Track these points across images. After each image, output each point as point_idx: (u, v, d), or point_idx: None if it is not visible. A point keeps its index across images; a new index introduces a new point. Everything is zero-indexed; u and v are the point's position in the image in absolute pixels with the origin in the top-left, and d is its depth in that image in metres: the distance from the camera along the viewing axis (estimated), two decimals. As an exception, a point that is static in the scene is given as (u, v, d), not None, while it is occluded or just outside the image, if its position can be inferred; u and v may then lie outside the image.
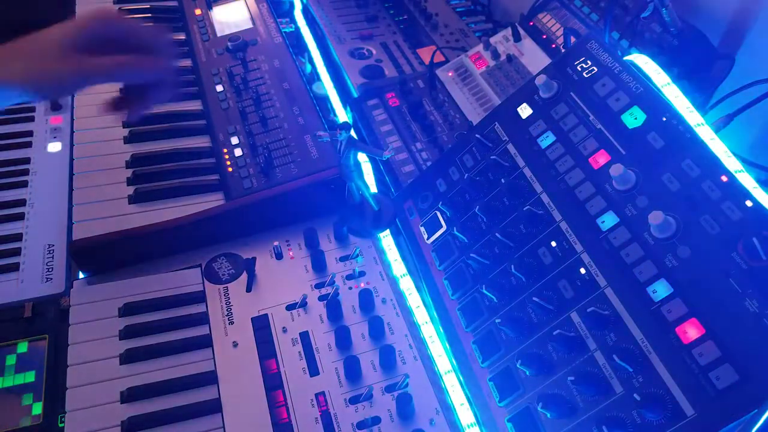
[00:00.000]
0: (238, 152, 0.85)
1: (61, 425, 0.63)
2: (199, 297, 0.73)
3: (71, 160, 0.87)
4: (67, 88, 0.65)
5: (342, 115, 1.01)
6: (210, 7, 1.14)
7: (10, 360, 0.69)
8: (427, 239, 0.74)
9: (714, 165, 0.55)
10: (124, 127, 0.91)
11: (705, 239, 0.53)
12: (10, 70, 0.61)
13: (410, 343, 0.68)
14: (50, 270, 0.77)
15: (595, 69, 0.67)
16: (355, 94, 1.05)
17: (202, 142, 0.89)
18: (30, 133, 0.94)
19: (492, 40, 1.03)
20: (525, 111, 0.72)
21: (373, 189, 0.83)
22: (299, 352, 0.67)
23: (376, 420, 0.62)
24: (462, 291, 0.68)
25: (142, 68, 0.64)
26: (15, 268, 0.77)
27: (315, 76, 1.11)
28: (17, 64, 0.61)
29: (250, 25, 1.07)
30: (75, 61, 0.62)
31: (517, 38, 1.00)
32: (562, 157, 0.66)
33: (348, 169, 0.75)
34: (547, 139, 0.68)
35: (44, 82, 0.62)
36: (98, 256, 0.75)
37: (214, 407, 0.63)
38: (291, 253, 0.78)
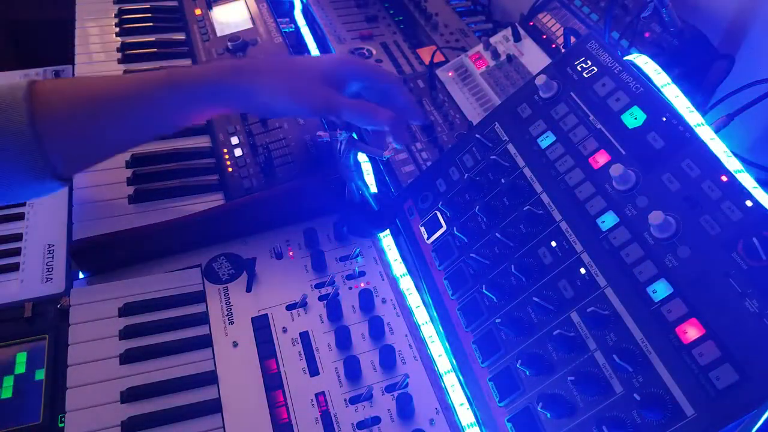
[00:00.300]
0: (238, 152, 0.85)
1: (61, 425, 0.63)
2: (199, 297, 0.73)
3: (71, 160, 0.87)
4: (311, 111, 0.71)
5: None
6: (210, 7, 1.14)
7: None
8: (427, 239, 0.74)
9: (714, 165, 0.55)
10: (124, 127, 0.91)
11: (705, 239, 0.53)
12: (272, 80, 0.69)
13: (410, 343, 0.68)
14: (50, 270, 0.77)
15: (595, 69, 0.67)
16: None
17: (202, 142, 0.89)
18: (30, 133, 0.94)
19: (492, 40, 1.03)
20: (525, 111, 0.72)
21: (373, 189, 0.83)
22: (299, 352, 0.67)
23: (376, 420, 0.62)
24: (462, 291, 0.68)
25: (378, 120, 0.70)
26: (15, 268, 0.77)
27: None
28: (276, 78, 0.69)
29: (250, 25, 1.07)
30: (330, 93, 0.69)
31: (517, 38, 1.00)
32: (562, 157, 0.66)
33: (348, 169, 0.75)
34: (547, 139, 0.68)
35: (298, 99, 0.69)
36: (98, 256, 0.75)
37: (214, 407, 0.63)
38: (291, 253, 0.78)
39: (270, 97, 0.69)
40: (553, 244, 0.62)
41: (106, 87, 0.70)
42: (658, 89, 0.64)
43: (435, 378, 0.66)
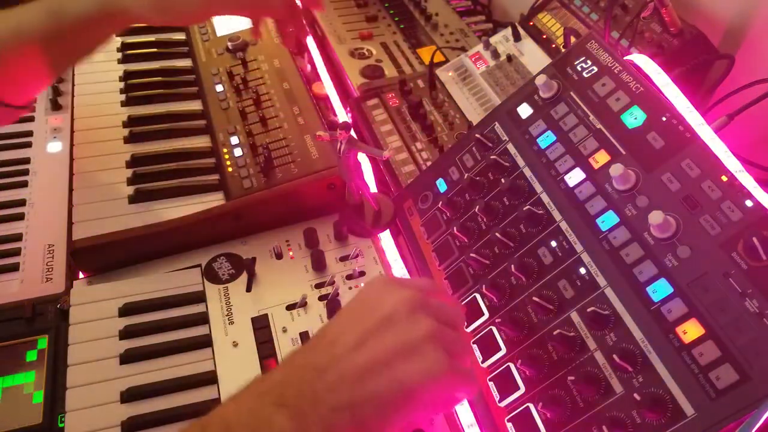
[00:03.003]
0: (238, 152, 0.85)
1: (61, 425, 0.63)
2: (199, 297, 0.73)
3: (71, 160, 0.87)
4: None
5: (342, 115, 1.01)
6: (210, 7, 1.14)
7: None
8: (427, 239, 0.74)
9: (714, 165, 0.55)
10: (123, 127, 0.91)
11: (705, 239, 0.53)
12: None
13: (410, 343, 0.68)
14: (50, 270, 0.77)
15: (595, 69, 0.67)
16: (356, 94, 1.05)
17: (202, 142, 0.89)
18: (30, 134, 0.94)
19: (492, 40, 1.03)
20: (525, 111, 0.72)
21: (373, 189, 0.83)
22: (299, 352, 0.67)
23: (376, 420, 0.62)
24: (462, 291, 0.68)
25: None
26: (15, 268, 0.77)
27: (315, 76, 1.11)
28: None
29: (250, 25, 1.07)
30: None
31: (517, 38, 1.00)
32: (562, 157, 0.66)
33: (348, 169, 0.75)
34: (547, 139, 0.68)
35: None
36: (98, 256, 0.75)
37: (214, 407, 0.63)
38: (291, 253, 0.78)
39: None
40: (553, 244, 0.62)
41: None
42: (658, 89, 0.64)
43: (435, 378, 0.66)
